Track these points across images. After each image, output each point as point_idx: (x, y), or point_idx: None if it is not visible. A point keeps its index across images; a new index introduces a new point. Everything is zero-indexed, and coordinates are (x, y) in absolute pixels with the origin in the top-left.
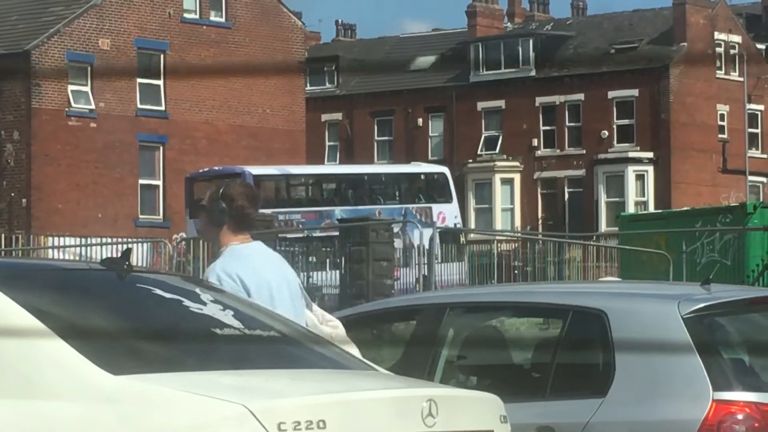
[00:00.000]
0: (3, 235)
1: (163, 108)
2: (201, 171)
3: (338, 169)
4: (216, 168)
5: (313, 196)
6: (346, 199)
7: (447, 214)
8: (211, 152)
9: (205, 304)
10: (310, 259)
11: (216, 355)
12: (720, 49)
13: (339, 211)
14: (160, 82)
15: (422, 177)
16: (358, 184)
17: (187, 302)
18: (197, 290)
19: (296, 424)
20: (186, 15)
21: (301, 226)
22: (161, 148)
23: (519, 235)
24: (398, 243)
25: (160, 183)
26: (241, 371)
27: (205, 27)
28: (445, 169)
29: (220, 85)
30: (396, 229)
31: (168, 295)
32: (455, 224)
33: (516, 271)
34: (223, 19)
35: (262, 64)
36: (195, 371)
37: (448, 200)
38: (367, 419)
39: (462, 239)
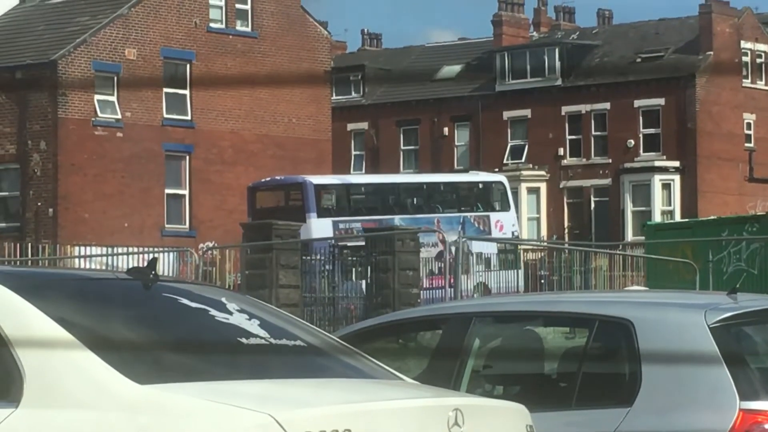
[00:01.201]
0: (30, 245)
1: (189, 117)
2: (263, 180)
3: (397, 178)
4: (278, 177)
5: (372, 204)
6: (405, 207)
7: (504, 222)
8: (237, 162)
9: (231, 313)
10: (359, 268)
11: (242, 365)
12: (746, 58)
13: (398, 220)
14: (186, 92)
15: (480, 186)
16: (417, 192)
17: (213, 312)
18: (223, 299)
19: None
20: (212, 25)
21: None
22: (187, 157)
23: (545, 244)
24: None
25: (186, 192)
26: (267, 380)
27: (231, 37)
28: (503, 178)
29: (246, 95)
30: (455, 237)
31: (194, 305)
32: (513, 233)
33: (542, 281)
34: (249, 29)
35: (288, 75)
36: (221, 380)
37: (506, 209)
38: (392, 428)
39: (519, 248)
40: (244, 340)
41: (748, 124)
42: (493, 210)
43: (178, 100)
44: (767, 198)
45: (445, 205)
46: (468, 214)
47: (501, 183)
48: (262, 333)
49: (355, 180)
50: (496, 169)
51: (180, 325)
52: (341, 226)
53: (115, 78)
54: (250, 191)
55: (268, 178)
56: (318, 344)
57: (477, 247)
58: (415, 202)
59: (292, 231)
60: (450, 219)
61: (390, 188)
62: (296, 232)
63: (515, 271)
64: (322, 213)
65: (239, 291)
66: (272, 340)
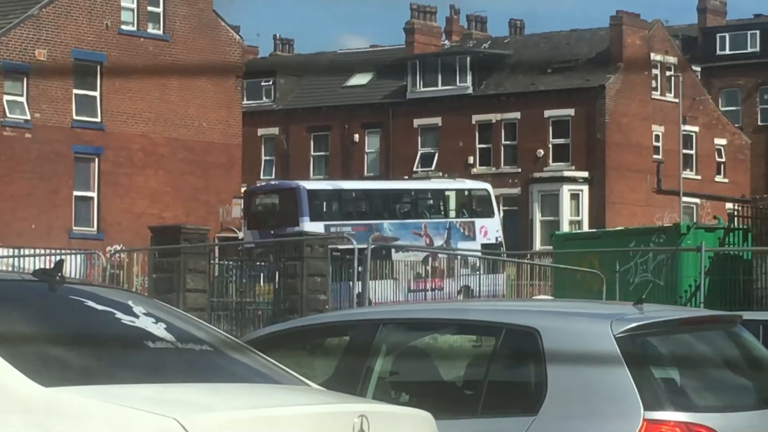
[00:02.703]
0: None
1: (99, 120)
2: (259, 185)
3: (387, 184)
4: (273, 182)
5: (362, 209)
6: (394, 213)
7: (489, 228)
8: (146, 165)
9: (137, 316)
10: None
11: (147, 368)
12: (656, 70)
13: (387, 224)
14: (97, 94)
15: (466, 193)
16: (406, 199)
17: (119, 314)
18: (130, 303)
19: None
20: (123, 27)
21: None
22: (96, 159)
23: (453, 252)
24: (443, 254)
25: (94, 195)
26: (173, 384)
27: (142, 39)
28: (487, 186)
29: (156, 98)
30: (441, 242)
31: (100, 307)
32: (496, 238)
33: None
34: (160, 32)
35: (199, 65)
36: (126, 384)
37: (490, 215)
38: None
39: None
40: (150, 344)
41: (657, 136)
42: (478, 216)
43: (88, 102)
44: (674, 210)
45: (432, 211)
46: (454, 220)
47: (486, 190)
48: (169, 337)
49: (347, 186)
50: (406, 177)
51: (86, 327)
52: (333, 229)
53: (25, 79)
54: (247, 195)
55: (263, 183)
56: (225, 349)
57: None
58: (404, 208)
59: (201, 235)
60: (437, 224)
61: (379, 194)
62: (205, 236)
63: (499, 275)
64: (315, 217)
65: (146, 294)
66: (178, 344)
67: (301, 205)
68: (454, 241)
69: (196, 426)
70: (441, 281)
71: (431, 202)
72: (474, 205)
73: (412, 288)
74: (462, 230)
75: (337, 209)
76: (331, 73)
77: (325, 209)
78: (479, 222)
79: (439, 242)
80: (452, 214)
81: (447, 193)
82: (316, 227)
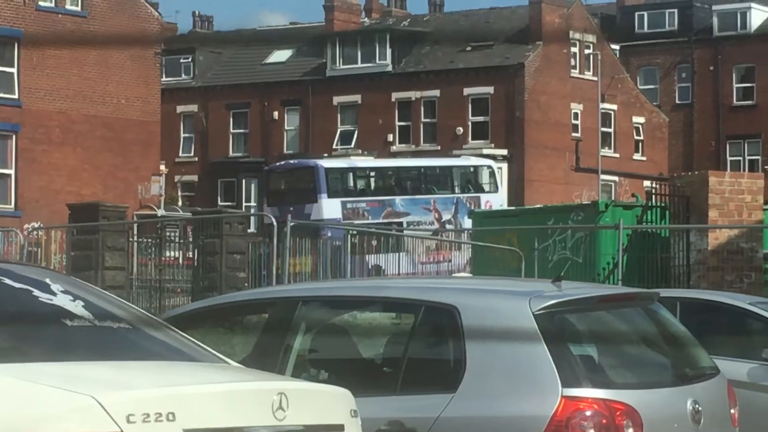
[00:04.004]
0: None
1: (16, 96)
2: (278, 164)
3: (398, 162)
4: (291, 161)
5: (376, 186)
6: (405, 189)
7: (494, 202)
8: (65, 142)
9: (54, 294)
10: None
11: (65, 346)
12: (575, 49)
13: (399, 200)
14: (14, 70)
15: (472, 169)
16: (416, 175)
17: (36, 292)
18: (47, 280)
19: (145, 416)
20: (41, 3)
21: (366, 213)
22: (14, 136)
23: (373, 230)
24: (450, 227)
25: (12, 172)
26: (90, 362)
27: (60, 15)
28: (491, 162)
29: (74, 75)
30: (449, 216)
31: (17, 285)
32: None
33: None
34: (78, 8)
35: (119, 35)
36: (42, 362)
37: (494, 190)
38: (217, 412)
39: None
40: (67, 322)
41: (576, 114)
42: (483, 191)
43: (5, 79)
44: (593, 188)
45: (440, 187)
46: (461, 195)
47: (490, 167)
48: (87, 314)
49: (361, 164)
50: (326, 155)
51: (2, 305)
52: (349, 206)
53: None
54: (266, 174)
55: (282, 162)
56: (143, 327)
57: (468, 223)
58: (414, 184)
59: (119, 212)
60: (445, 200)
61: (392, 171)
62: (123, 213)
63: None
64: (332, 194)
65: (64, 272)
66: (96, 322)
67: (319, 182)
68: (462, 215)
69: (113, 404)
70: (450, 254)
71: (439, 178)
72: (479, 181)
73: (423, 261)
74: (469, 205)
75: (353, 186)
76: (249, 45)
77: (341, 186)
78: (484, 197)
79: (447, 216)
80: (459, 189)
81: (454, 170)
82: (333, 203)
